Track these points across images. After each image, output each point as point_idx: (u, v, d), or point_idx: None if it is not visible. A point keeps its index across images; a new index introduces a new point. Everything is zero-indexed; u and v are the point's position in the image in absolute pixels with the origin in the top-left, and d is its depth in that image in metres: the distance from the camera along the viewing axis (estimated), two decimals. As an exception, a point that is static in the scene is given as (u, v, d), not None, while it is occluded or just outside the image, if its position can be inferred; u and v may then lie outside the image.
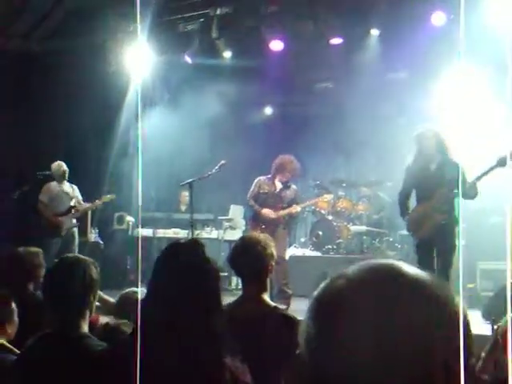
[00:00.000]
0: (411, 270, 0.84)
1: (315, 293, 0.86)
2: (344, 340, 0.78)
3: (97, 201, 8.47)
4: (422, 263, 5.99)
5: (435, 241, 5.89)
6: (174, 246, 2.26)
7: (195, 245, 2.23)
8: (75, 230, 8.34)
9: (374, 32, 8.95)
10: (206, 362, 1.96)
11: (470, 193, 5.65)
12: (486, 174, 5.55)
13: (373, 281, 0.82)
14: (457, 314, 0.82)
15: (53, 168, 8.25)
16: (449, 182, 5.69)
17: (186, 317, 1.95)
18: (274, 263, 3.20)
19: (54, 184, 8.27)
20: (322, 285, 0.86)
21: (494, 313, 5.15)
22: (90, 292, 2.49)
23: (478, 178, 5.60)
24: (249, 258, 3.13)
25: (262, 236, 3.31)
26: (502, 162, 5.35)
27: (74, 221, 8.34)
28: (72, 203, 8.24)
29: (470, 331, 0.84)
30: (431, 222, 5.90)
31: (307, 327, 0.83)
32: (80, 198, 8.41)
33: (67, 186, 8.33)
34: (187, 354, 1.93)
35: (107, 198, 8.58)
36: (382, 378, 0.76)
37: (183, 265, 2.11)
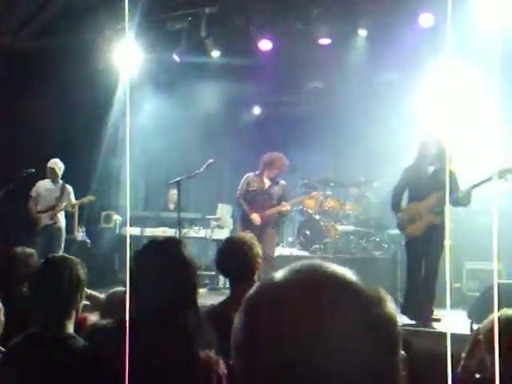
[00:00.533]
0: (341, 270, 0.85)
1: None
2: (267, 338, 0.79)
3: (74, 201, 8.52)
4: (411, 262, 6.10)
5: (425, 240, 5.92)
6: (150, 243, 2.28)
7: (171, 242, 2.24)
8: (60, 227, 8.38)
9: (362, 32, 8.99)
10: (180, 356, 2.00)
11: (464, 201, 5.74)
12: (482, 183, 5.59)
13: (298, 281, 0.83)
14: (386, 315, 0.82)
15: (48, 165, 8.42)
16: (444, 187, 5.72)
17: (158, 313, 1.97)
18: (260, 262, 3.22)
19: (45, 182, 8.43)
20: (255, 285, 0.87)
21: (479, 313, 5.19)
22: (76, 292, 2.48)
23: (474, 187, 5.66)
24: (235, 259, 3.16)
25: (247, 236, 3.35)
26: (501, 175, 5.39)
27: (60, 219, 8.40)
28: (59, 202, 8.33)
29: (398, 332, 0.84)
30: (424, 221, 5.95)
31: (235, 325, 0.85)
32: (71, 199, 8.50)
33: (58, 185, 8.43)
34: (161, 349, 1.96)
35: (86, 199, 8.67)
36: (305, 376, 0.77)
37: (157, 261, 2.13)
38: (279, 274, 0.86)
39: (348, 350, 0.78)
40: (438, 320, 5.84)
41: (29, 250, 3.91)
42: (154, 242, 2.29)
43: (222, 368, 2.07)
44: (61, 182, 8.46)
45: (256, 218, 7.53)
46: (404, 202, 6.33)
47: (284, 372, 0.78)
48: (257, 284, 0.88)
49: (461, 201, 5.72)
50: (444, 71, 7.04)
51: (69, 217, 8.76)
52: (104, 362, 1.99)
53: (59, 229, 8.37)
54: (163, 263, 2.13)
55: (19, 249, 3.89)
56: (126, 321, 1.91)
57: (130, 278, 2.08)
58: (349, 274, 0.85)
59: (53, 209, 8.31)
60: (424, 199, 5.97)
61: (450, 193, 5.69)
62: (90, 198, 8.69)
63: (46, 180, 8.44)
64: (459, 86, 7.30)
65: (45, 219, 8.28)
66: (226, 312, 3.02)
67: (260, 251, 3.27)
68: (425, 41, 7.95)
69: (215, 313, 3.17)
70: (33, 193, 8.37)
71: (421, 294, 5.86)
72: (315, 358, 0.77)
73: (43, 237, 8.21)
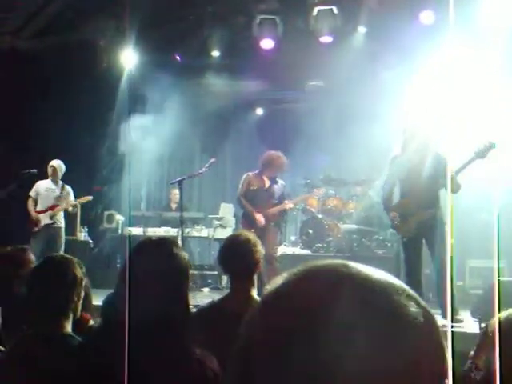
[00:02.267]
0: (364, 269, 0.80)
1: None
2: (277, 336, 0.77)
3: (72, 201, 8.54)
4: (409, 261, 5.95)
5: (423, 238, 5.82)
6: (142, 243, 2.30)
7: (162, 242, 2.25)
8: (60, 229, 8.40)
9: (362, 30, 9.01)
10: (174, 354, 2.01)
11: (453, 188, 5.52)
12: (464, 166, 5.44)
13: (315, 279, 0.80)
14: (412, 322, 0.76)
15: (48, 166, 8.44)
16: (433, 176, 5.60)
17: (151, 312, 1.98)
18: (262, 262, 3.25)
19: (45, 182, 8.44)
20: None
21: (482, 311, 5.18)
22: (73, 291, 2.49)
23: (458, 171, 5.46)
24: (238, 256, 3.19)
25: (251, 234, 3.38)
26: (480, 154, 5.29)
27: (60, 219, 8.42)
28: (59, 202, 8.35)
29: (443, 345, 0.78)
30: (416, 218, 5.80)
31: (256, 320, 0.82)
32: (70, 199, 8.51)
33: (58, 186, 8.45)
34: (154, 348, 1.97)
35: (83, 199, 8.68)
36: (314, 374, 0.75)
37: (146, 262, 2.13)
38: (295, 271, 0.82)
39: (366, 352, 0.72)
40: (460, 321, 5.48)
41: (21, 247, 3.89)
42: (146, 242, 2.31)
43: (216, 365, 2.08)
44: (60, 182, 8.48)
45: (260, 218, 7.53)
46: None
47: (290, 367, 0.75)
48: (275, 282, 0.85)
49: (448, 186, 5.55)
50: (444, 67, 7.06)
51: (71, 217, 8.78)
52: (97, 361, 2.02)
53: (59, 229, 8.39)
54: (155, 263, 2.14)
55: (9, 247, 3.86)
56: (115, 321, 1.96)
57: (123, 279, 2.11)
58: (378, 275, 0.79)
59: (52, 209, 8.33)
60: (414, 192, 5.79)
61: (439, 180, 5.56)
62: (88, 198, 8.70)
63: (46, 180, 8.46)
64: (459, 82, 7.27)
65: (44, 219, 8.29)
66: (225, 307, 3.06)
67: (263, 250, 3.29)
68: (426, 38, 7.94)
69: (215, 308, 3.20)
70: (32, 193, 8.37)
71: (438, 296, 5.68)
72: (324, 357, 0.75)
73: (43, 237, 8.22)
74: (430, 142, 5.80)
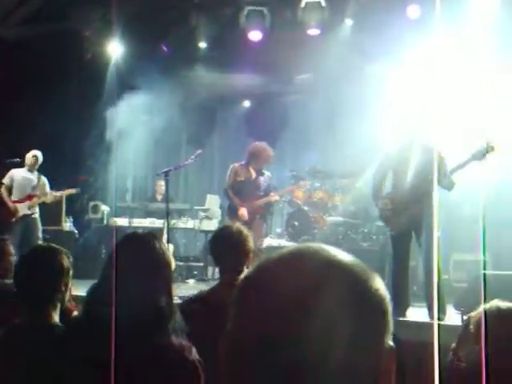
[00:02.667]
0: (338, 253, 0.85)
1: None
2: (255, 312, 0.80)
3: (59, 192, 8.45)
4: (397, 254, 5.82)
5: (412, 232, 5.70)
6: (125, 237, 2.35)
7: (145, 236, 2.29)
8: (36, 219, 8.31)
9: (349, 22, 9.03)
10: (153, 344, 2.05)
11: (447, 185, 5.52)
12: (461, 167, 5.44)
13: (294, 260, 0.84)
14: (375, 291, 0.83)
15: (26, 156, 8.28)
16: (425, 169, 5.50)
17: (131, 305, 1.99)
18: (252, 255, 3.26)
19: (20, 170, 8.28)
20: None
21: (466, 304, 5.21)
22: (61, 281, 2.48)
23: (453, 171, 5.46)
24: (230, 247, 3.21)
25: (243, 227, 3.41)
26: (477, 156, 5.26)
27: (36, 209, 8.34)
28: (35, 192, 8.24)
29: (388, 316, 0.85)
30: (407, 212, 5.66)
31: (232, 301, 0.86)
32: (46, 189, 8.40)
33: (34, 175, 8.33)
34: (133, 340, 2.00)
35: (69, 191, 8.64)
36: (290, 352, 0.77)
37: (130, 256, 2.16)
38: (277, 254, 0.87)
39: (335, 324, 0.78)
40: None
41: (1, 238, 3.87)
42: (130, 236, 2.36)
43: (195, 355, 2.11)
44: (36, 172, 8.35)
45: (244, 213, 7.54)
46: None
47: (267, 345, 0.78)
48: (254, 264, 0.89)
49: (443, 184, 5.48)
50: (431, 60, 7.09)
51: (56, 207, 8.70)
52: (79, 350, 2.07)
53: (36, 219, 8.30)
54: (138, 257, 2.18)
55: None
56: (96, 312, 2.02)
57: (106, 271, 2.13)
58: (342, 252, 0.86)
59: (30, 198, 8.19)
60: (406, 185, 5.62)
61: (430, 174, 5.47)
62: (72, 191, 8.63)
63: (21, 169, 8.28)
64: (445, 75, 7.29)
65: (23, 209, 8.16)
66: (214, 298, 3.07)
67: (253, 245, 3.34)
68: (412, 32, 7.97)
69: (204, 299, 3.20)
70: (6, 179, 8.18)
71: (427, 294, 5.53)
72: (301, 332, 0.77)
73: (21, 227, 8.10)
74: (419, 135, 5.74)
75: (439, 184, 5.51)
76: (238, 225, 3.46)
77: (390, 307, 0.85)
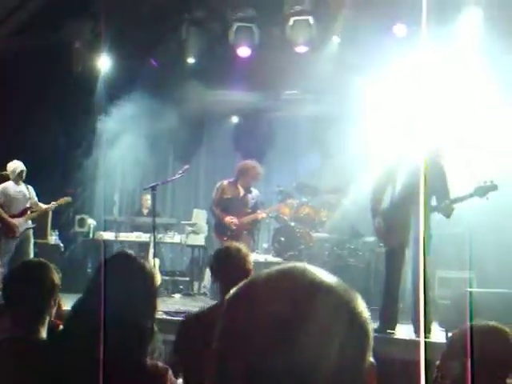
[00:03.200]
0: (322, 275, 0.88)
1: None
2: (243, 332, 0.83)
3: (52, 203, 8.35)
4: (391, 270, 5.79)
5: (406, 249, 5.65)
6: (115, 255, 2.38)
7: (127, 257, 2.31)
8: (30, 231, 8.17)
9: (336, 40, 9.13)
10: (128, 363, 2.05)
11: (445, 212, 5.53)
12: (461, 200, 5.46)
13: (279, 281, 0.87)
14: (360, 318, 0.86)
15: (9, 168, 8.04)
16: (430, 192, 5.46)
17: (113, 320, 2.00)
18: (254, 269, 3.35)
19: (10, 184, 8.04)
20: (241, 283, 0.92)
21: (450, 321, 5.24)
22: (50, 297, 2.47)
23: (454, 202, 5.47)
24: (233, 266, 3.27)
25: (242, 246, 3.50)
26: (479, 192, 5.28)
27: (30, 222, 8.18)
28: (28, 204, 8.13)
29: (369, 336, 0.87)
30: (404, 230, 5.61)
31: (220, 320, 0.88)
32: (36, 199, 8.23)
33: (23, 187, 8.13)
34: (111, 355, 1.99)
35: (63, 200, 8.47)
36: (275, 371, 0.79)
37: (116, 275, 2.16)
38: (263, 274, 0.90)
39: (320, 344, 0.81)
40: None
41: None
42: (118, 255, 2.39)
43: (171, 377, 2.13)
44: (23, 183, 8.12)
45: (231, 220, 7.57)
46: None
47: (253, 365, 0.80)
48: (244, 281, 0.91)
49: (442, 211, 5.52)
50: (416, 77, 7.19)
51: (41, 220, 8.63)
52: (61, 364, 2.06)
53: (30, 232, 8.13)
54: (126, 276, 2.19)
55: None
56: (79, 326, 2.02)
57: (92, 287, 2.14)
58: (326, 273, 0.89)
59: (25, 212, 8.05)
60: (408, 203, 5.54)
61: (437, 196, 5.49)
62: (67, 199, 8.53)
63: (9, 182, 8.02)
64: (431, 91, 7.38)
65: (22, 224, 7.97)
66: (214, 317, 3.04)
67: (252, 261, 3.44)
68: (399, 50, 8.08)
69: (204, 317, 3.21)
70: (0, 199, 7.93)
71: (414, 310, 5.50)
72: (286, 351, 0.79)
73: (19, 241, 7.91)
74: (421, 150, 5.68)
75: (437, 206, 5.52)
76: (234, 244, 3.55)
77: (371, 327, 0.88)
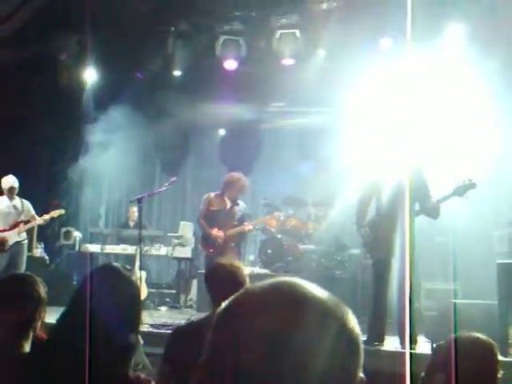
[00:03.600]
0: (313, 289, 0.88)
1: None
2: (231, 346, 0.82)
3: (45, 215, 8.30)
4: (378, 282, 5.79)
5: (392, 259, 5.65)
6: (100, 268, 2.41)
7: (120, 269, 2.29)
8: (24, 244, 8.16)
9: (322, 52, 9.19)
10: (111, 375, 2.04)
11: (434, 212, 5.60)
12: (440, 201, 5.57)
13: (270, 295, 0.87)
14: (352, 334, 0.86)
15: (2, 183, 8.08)
16: (412, 198, 5.51)
17: (97, 332, 1.99)
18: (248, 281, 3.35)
19: (2, 198, 8.09)
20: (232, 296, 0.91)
21: (436, 332, 5.25)
22: (37, 311, 2.46)
23: (439, 202, 5.58)
24: (229, 281, 3.26)
25: (231, 259, 3.62)
26: (458, 191, 5.41)
27: (24, 235, 8.18)
28: (22, 218, 8.10)
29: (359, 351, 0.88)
30: (391, 240, 5.62)
31: (209, 333, 0.88)
32: (32, 212, 8.25)
33: (17, 201, 8.15)
34: (94, 367, 1.98)
35: (56, 212, 8.41)
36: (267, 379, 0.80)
37: (103, 286, 2.16)
38: (254, 287, 0.90)
39: (310, 359, 0.80)
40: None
41: None
42: (104, 268, 2.40)
43: None
44: (17, 197, 8.15)
45: (217, 233, 7.57)
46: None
47: (240, 377, 0.80)
48: (235, 294, 0.90)
49: (430, 211, 5.58)
50: (402, 90, 7.26)
51: (28, 233, 8.57)
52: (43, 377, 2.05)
53: (24, 245, 8.12)
54: (111, 289, 2.18)
55: None
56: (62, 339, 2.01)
57: (77, 299, 2.14)
58: (318, 288, 0.89)
59: (17, 226, 8.02)
60: (391, 213, 5.59)
61: (420, 202, 5.56)
62: (60, 211, 8.47)
63: (2, 197, 8.08)
64: (417, 104, 7.45)
65: (13, 237, 7.98)
66: (204, 328, 3.04)
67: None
68: (385, 63, 8.16)
69: (193, 329, 3.21)
70: None
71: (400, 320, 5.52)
72: (276, 365, 0.79)
73: (9, 254, 7.91)
74: (402, 160, 5.73)
75: (422, 209, 5.59)
76: (226, 258, 3.61)
77: (361, 342, 0.88)
